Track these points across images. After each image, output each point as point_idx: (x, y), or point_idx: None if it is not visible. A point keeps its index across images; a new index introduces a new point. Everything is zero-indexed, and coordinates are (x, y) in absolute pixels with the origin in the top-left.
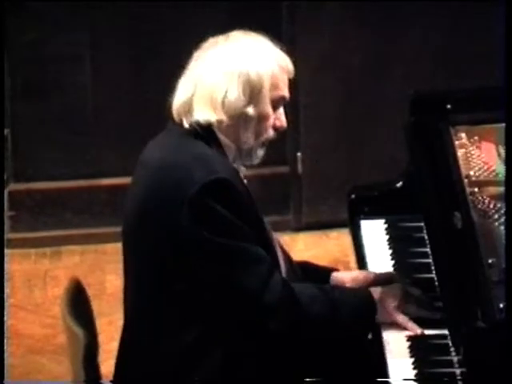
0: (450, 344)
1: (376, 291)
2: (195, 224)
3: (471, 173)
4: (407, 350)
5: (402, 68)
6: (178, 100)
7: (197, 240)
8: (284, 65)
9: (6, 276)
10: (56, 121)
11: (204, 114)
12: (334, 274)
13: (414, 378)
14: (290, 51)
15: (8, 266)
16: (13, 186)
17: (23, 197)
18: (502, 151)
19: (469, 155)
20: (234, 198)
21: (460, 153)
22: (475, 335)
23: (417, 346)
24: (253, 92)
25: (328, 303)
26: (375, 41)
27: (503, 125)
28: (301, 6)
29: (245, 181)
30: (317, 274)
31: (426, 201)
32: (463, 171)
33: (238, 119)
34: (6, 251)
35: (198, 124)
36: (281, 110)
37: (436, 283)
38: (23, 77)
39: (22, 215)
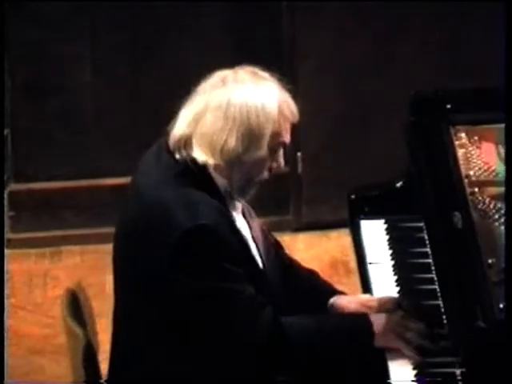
0: (450, 344)
1: (377, 318)
2: (177, 269)
3: (471, 173)
4: None
5: (402, 68)
6: (177, 132)
7: (179, 284)
8: (288, 113)
9: (6, 276)
10: (56, 121)
11: (202, 155)
12: (334, 301)
13: (414, 378)
14: (290, 51)
15: (8, 266)
16: (13, 186)
17: (23, 197)
18: (502, 151)
19: (469, 155)
20: (216, 242)
21: (460, 153)
22: (475, 335)
23: (417, 346)
24: (251, 141)
25: (319, 338)
26: (375, 41)
27: (503, 125)
28: (301, 6)
29: (235, 216)
30: (316, 293)
31: (425, 201)
32: (463, 171)
33: (233, 164)
34: (6, 251)
35: (193, 161)
36: (280, 153)
37: (437, 289)
38: (23, 77)
39: (22, 215)
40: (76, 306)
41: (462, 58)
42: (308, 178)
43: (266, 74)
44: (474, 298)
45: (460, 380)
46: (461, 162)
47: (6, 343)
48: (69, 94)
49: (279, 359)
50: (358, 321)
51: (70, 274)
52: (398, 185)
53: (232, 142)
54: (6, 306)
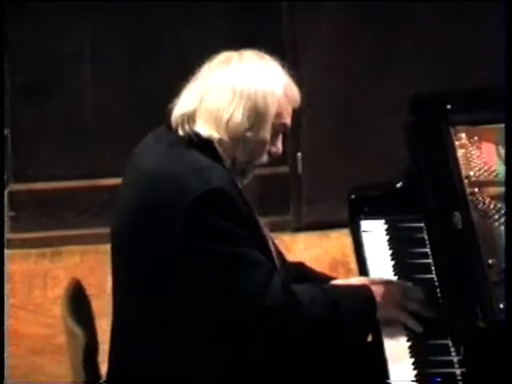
0: (450, 344)
1: (377, 288)
2: (191, 236)
3: (471, 173)
4: (407, 351)
5: (402, 68)
6: (180, 109)
7: (193, 251)
8: (291, 95)
9: (6, 276)
10: (56, 121)
11: (206, 129)
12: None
13: (414, 378)
14: (290, 51)
15: (8, 266)
16: (13, 186)
17: (23, 197)
18: (502, 151)
19: (469, 155)
20: (229, 206)
21: (460, 153)
22: (475, 335)
23: (417, 347)
24: (257, 118)
25: (328, 304)
26: (375, 41)
27: (503, 125)
28: (301, 6)
29: (240, 186)
30: (312, 280)
31: (425, 201)
32: (463, 171)
33: (238, 140)
34: (6, 251)
35: (197, 135)
36: (279, 137)
37: (436, 283)
38: (23, 77)
39: (22, 215)
40: (76, 306)
41: (462, 58)
42: (308, 178)
43: (270, 57)
44: (474, 298)
45: (460, 380)
46: (461, 162)
47: (6, 343)
48: (69, 94)
49: (291, 322)
50: (362, 292)
51: (69, 274)
52: (398, 185)
53: (238, 116)
54: (6, 306)
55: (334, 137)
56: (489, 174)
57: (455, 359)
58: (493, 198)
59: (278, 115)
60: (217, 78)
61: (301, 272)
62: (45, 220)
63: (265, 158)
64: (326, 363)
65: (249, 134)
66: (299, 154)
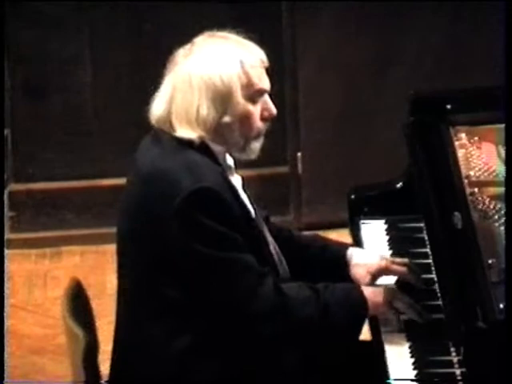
0: (450, 344)
1: (367, 290)
2: (182, 235)
3: (471, 173)
4: (407, 351)
5: (402, 68)
6: (155, 114)
7: (185, 251)
8: (252, 60)
9: (6, 276)
10: (56, 121)
11: (184, 132)
12: (351, 258)
13: (414, 378)
14: (289, 51)
15: (8, 266)
16: (13, 186)
17: (23, 197)
18: (502, 151)
19: (469, 155)
20: (220, 206)
21: (460, 153)
22: (475, 335)
23: (417, 347)
24: (224, 100)
25: (320, 305)
26: (375, 41)
27: (503, 125)
28: (301, 6)
29: (234, 182)
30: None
31: (425, 201)
32: (463, 171)
33: (219, 129)
34: (6, 251)
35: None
36: (266, 100)
37: (436, 283)
38: (23, 77)
39: (22, 215)
40: (76, 306)
41: (462, 58)
42: (308, 178)
43: (223, 33)
44: (474, 298)
45: (460, 380)
46: (461, 162)
47: (6, 343)
48: (69, 94)
49: (278, 328)
50: (354, 296)
51: (69, 274)
52: (398, 185)
53: (204, 111)
54: (5, 306)
55: (334, 137)
56: (489, 174)
57: (455, 359)
58: (493, 198)
59: (247, 86)
60: (175, 78)
61: (312, 246)
62: (45, 220)
63: (261, 125)
64: (326, 363)
65: (225, 119)
66: (299, 154)
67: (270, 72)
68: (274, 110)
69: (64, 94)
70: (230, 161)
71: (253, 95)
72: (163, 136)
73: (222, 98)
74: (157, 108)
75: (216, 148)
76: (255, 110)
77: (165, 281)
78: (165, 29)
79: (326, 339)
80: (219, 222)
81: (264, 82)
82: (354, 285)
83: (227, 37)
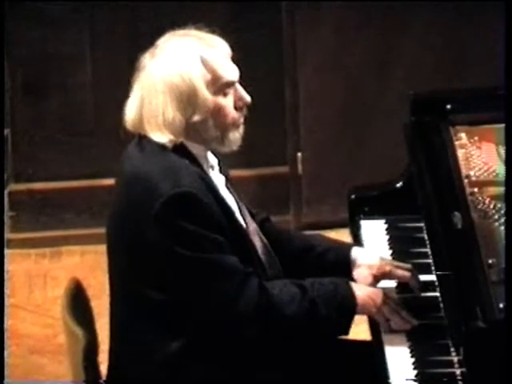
0: (450, 344)
1: (359, 289)
2: (163, 240)
3: (471, 173)
4: (407, 351)
5: (402, 68)
6: (129, 119)
7: (166, 255)
8: (214, 54)
9: (6, 276)
10: (56, 121)
11: (156, 136)
12: (356, 259)
13: (414, 378)
14: (290, 51)
15: (8, 266)
16: (13, 186)
17: (23, 197)
18: (502, 151)
19: (469, 155)
20: (199, 209)
21: (460, 153)
22: (475, 335)
23: (417, 347)
24: (190, 99)
25: (306, 302)
26: (375, 41)
27: (503, 125)
28: (301, 6)
29: (216, 182)
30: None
31: (425, 201)
32: (463, 171)
33: (191, 129)
34: (6, 251)
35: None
36: (237, 89)
37: (436, 283)
38: (23, 77)
39: (22, 215)
40: (76, 306)
41: (462, 58)
42: (308, 178)
43: (183, 31)
44: (474, 298)
45: (460, 380)
46: (461, 162)
47: (5, 343)
48: (69, 94)
49: (265, 328)
50: (342, 292)
51: (69, 274)
52: (398, 185)
53: (170, 114)
54: (6, 306)
55: (334, 137)
56: (489, 174)
57: (455, 359)
58: (493, 198)
59: (213, 80)
60: (140, 84)
61: (315, 247)
62: (45, 220)
63: (235, 115)
64: (326, 363)
65: (195, 117)
66: (299, 154)
67: (270, 72)
68: (247, 98)
69: (64, 94)
70: (212, 160)
71: (221, 88)
72: (144, 139)
73: (187, 98)
74: (129, 113)
75: (194, 149)
76: (227, 102)
77: (149, 284)
78: (165, 29)
79: (315, 335)
80: (199, 224)
81: (231, 73)
82: (342, 279)
83: (187, 34)
